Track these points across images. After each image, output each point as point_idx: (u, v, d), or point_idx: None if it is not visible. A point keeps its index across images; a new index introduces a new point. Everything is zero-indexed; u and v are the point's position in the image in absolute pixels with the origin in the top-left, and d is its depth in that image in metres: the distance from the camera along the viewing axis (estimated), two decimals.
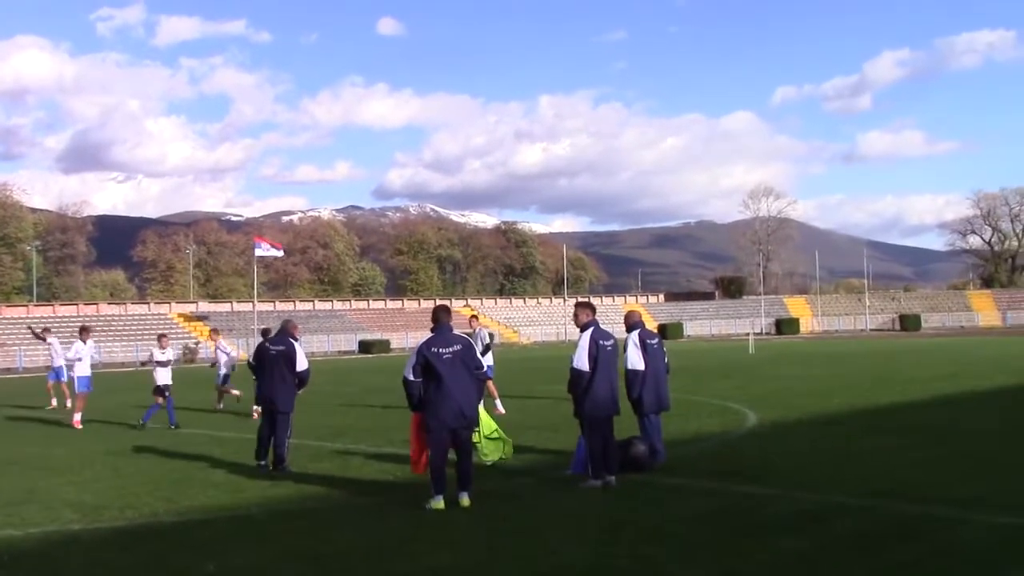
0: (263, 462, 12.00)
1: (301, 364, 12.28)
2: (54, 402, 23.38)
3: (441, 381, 9.08)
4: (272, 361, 12.23)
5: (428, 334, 9.58)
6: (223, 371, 21.39)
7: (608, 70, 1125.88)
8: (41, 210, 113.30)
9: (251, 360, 12.67)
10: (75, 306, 77.41)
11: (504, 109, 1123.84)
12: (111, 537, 8.47)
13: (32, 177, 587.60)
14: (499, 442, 10.87)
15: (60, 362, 23.42)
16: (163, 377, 18.71)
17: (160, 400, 18.38)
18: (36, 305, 77.44)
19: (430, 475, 9.16)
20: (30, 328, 27.55)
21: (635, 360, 10.91)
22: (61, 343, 24.49)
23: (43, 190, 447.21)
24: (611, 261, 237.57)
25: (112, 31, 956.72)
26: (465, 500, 9.07)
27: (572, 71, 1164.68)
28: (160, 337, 19.79)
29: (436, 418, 9.10)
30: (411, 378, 9.17)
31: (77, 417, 18.62)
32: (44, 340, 24.70)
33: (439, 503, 8.96)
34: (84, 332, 19.17)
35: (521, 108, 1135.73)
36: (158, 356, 19.00)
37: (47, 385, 24.51)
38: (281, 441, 11.99)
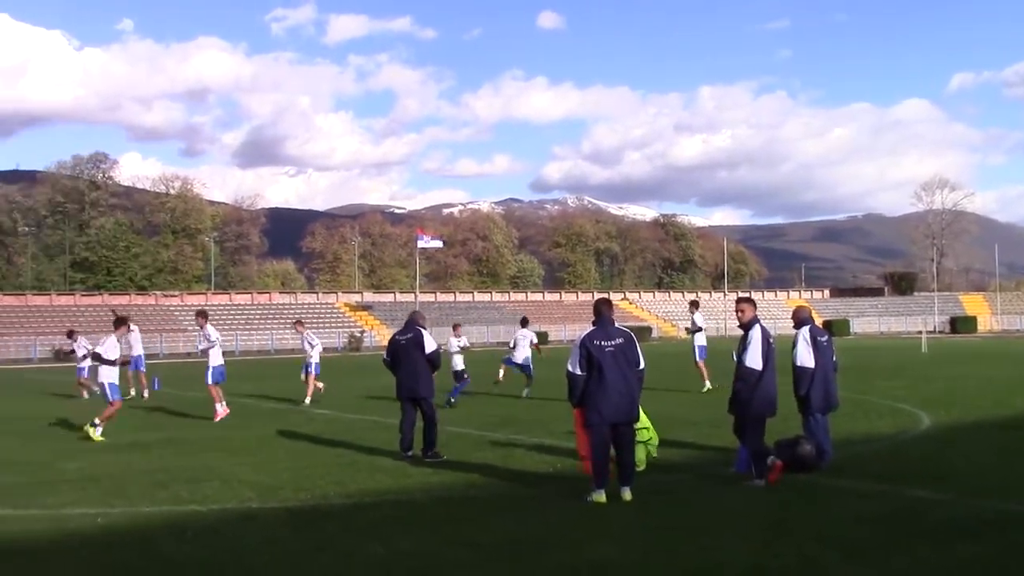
0: (409, 454, 12.13)
1: (430, 346, 12.51)
2: (132, 391, 22.87)
3: (602, 375, 9.05)
4: (404, 351, 12.51)
5: (588, 326, 9.57)
6: (314, 361, 21.19)
7: (771, 59, 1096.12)
8: (219, 203, 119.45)
9: (385, 357, 12.87)
10: (249, 295, 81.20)
11: (663, 101, 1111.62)
12: (285, 516, 8.85)
13: (211, 172, 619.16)
14: (642, 446, 10.62)
15: (139, 350, 23.48)
16: (458, 363, 20.22)
17: (457, 383, 19.99)
18: (214, 293, 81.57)
19: (591, 469, 9.15)
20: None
21: (805, 357, 10.59)
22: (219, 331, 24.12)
23: (221, 184, 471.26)
24: (773, 255, 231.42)
25: (285, 31, 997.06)
26: (627, 495, 9.03)
27: (733, 61, 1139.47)
28: (455, 327, 21.29)
29: (597, 412, 9.08)
30: (577, 372, 9.16)
31: (219, 408, 17.70)
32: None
33: (600, 497, 8.95)
34: (202, 316, 18.44)
35: (681, 99, 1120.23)
36: (454, 346, 20.39)
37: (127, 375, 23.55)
38: (431, 426, 12.21)
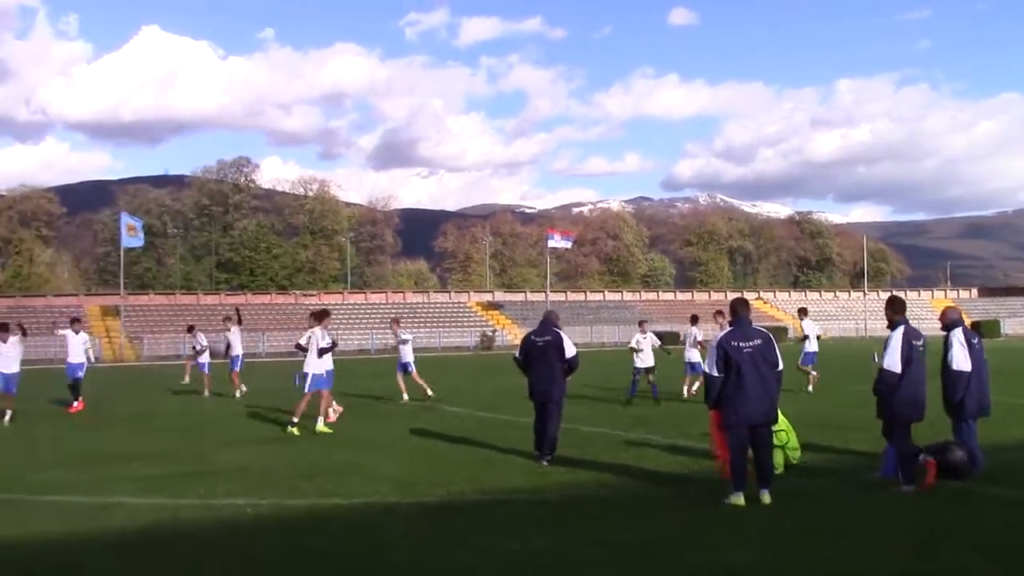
0: (537, 454, 11.97)
1: (570, 351, 12.26)
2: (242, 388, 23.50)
3: (741, 376, 8.88)
4: (540, 352, 12.23)
5: (726, 327, 9.42)
6: (409, 359, 21.45)
7: (911, 50, 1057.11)
8: (354, 204, 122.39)
9: (517, 355, 12.67)
10: (384, 294, 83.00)
11: (798, 95, 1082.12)
12: (422, 512, 9.01)
13: (347, 174, 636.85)
14: (780, 449, 10.34)
15: (238, 350, 24.51)
16: (646, 360, 20.22)
17: (638, 378, 20.18)
18: (350, 293, 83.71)
19: (730, 471, 9.00)
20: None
21: (961, 360, 10.11)
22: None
23: (356, 186, 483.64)
24: (915, 253, 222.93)
25: (418, 35, 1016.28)
26: (766, 498, 8.84)
27: (872, 53, 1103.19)
28: (641, 323, 21.25)
29: (735, 414, 8.92)
30: (715, 374, 9.01)
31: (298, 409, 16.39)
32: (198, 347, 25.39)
33: (739, 499, 8.78)
34: (316, 318, 16.61)
35: (817, 94, 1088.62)
36: (639, 343, 20.44)
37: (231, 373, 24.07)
38: (554, 430, 12.02)
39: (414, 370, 21.33)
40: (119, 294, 66.56)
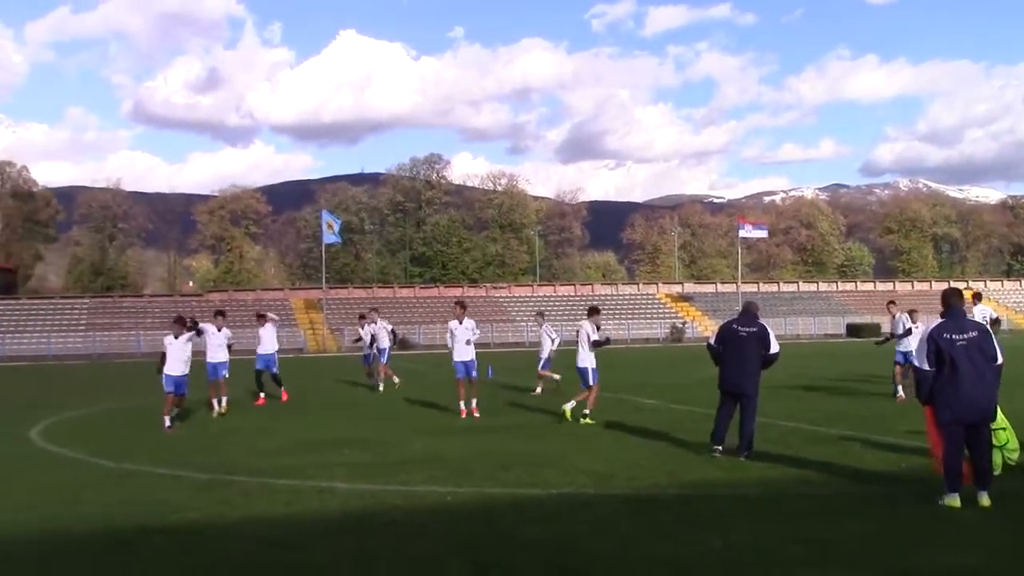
0: (718, 448, 11.59)
1: (775, 347, 11.85)
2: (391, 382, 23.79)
3: (955, 371, 8.42)
4: (742, 343, 11.79)
5: (936, 319, 8.93)
6: (544, 355, 21.40)
7: None
8: (542, 198, 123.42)
9: (713, 342, 12.17)
10: (572, 286, 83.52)
11: (1011, 72, 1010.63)
12: (621, 504, 9.01)
13: (535, 168, 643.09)
14: (998, 450, 9.67)
15: (386, 343, 23.98)
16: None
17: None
18: (539, 285, 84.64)
19: (944, 470, 8.55)
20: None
21: None
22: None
23: (544, 180, 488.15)
24: None
25: (604, 26, 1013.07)
26: (984, 500, 8.34)
27: None
28: (911, 313, 19.19)
29: (948, 410, 8.47)
30: (926, 367, 8.57)
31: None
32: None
33: (954, 501, 8.32)
34: (461, 307, 17.49)
35: None
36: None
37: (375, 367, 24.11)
38: (749, 426, 11.61)
39: (545, 366, 21.41)
40: (321, 288, 69.84)
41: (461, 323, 17.02)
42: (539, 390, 21.35)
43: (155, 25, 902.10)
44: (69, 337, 62.64)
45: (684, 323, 69.46)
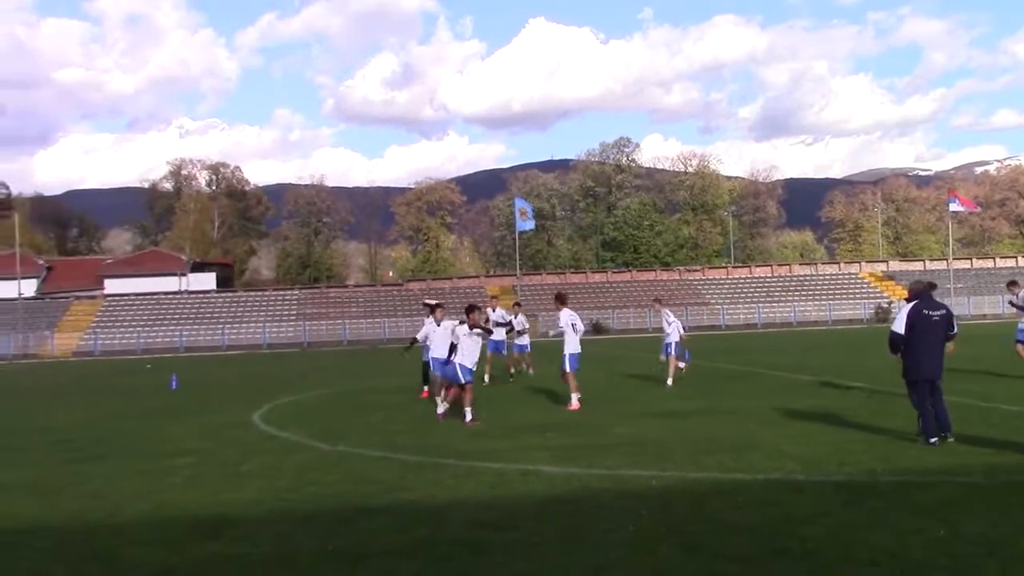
0: (933, 440, 10.87)
1: (954, 327, 11.33)
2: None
3: None
4: (934, 328, 11.16)
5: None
6: (669, 340, 19.91)
7: None
8: (735, 178, 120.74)
9: (900, 330, 11.17)
10: (769, 267, 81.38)
11: None
12: (833, 490, 8.70)
13: (727, 147, 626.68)
14: None
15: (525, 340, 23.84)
16: None
17: None
18: (734, 267, 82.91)
19: None
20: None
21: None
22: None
23: (737, 159, 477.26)
24: None
25: None
26: None
27: None
28: None
29: None
30: None
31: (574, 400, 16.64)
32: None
33: None
34: (560, 300, 17.17)
35: None
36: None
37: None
38: (945, 408, 11.14)
39: (674, 352, 20.05)
40: (515, 275, 70.97)
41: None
42: (670, 381, 19.77)
43: (353, 25, 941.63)
44: (281, 326, 66.40)
45: (890, 303, 66.33)
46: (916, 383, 11.23)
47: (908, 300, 11.60)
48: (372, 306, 71.07)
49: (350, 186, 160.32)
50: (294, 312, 69.81)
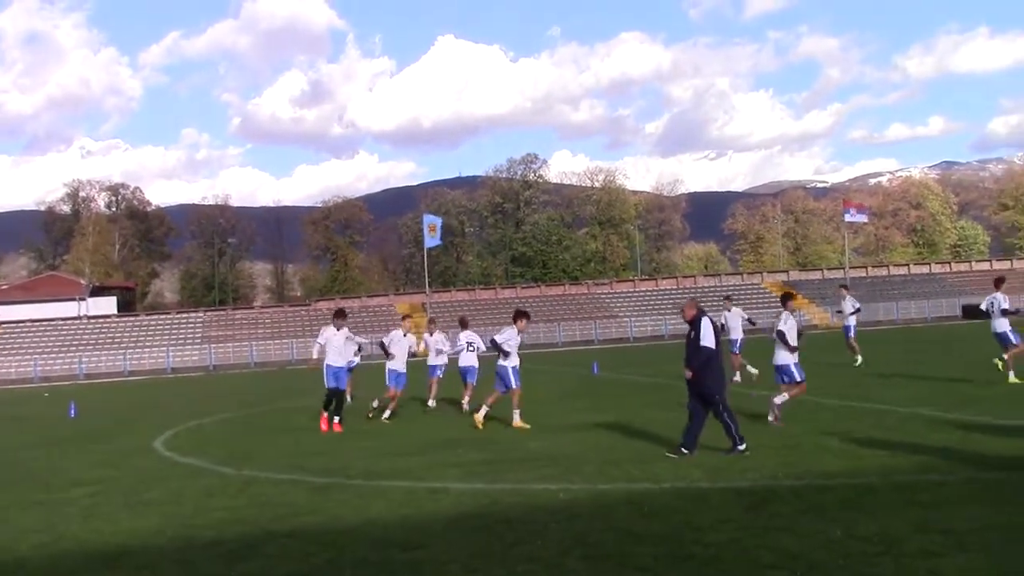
0: None
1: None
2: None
3: None
4: None
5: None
6: (734, 337, 21.47)
7: None
8: (641, 192, 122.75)
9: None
10: (674, 279, 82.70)
11: None
12: (736, 496, 8.88)
13: (634, 162, 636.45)
14: None
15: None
16: None
17: None
18: (640, 280, 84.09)
19: None
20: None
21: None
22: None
23: (643, 173, 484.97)
24: None
25: (702, 15, 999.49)
26: None
27: None
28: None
29: None
30: None
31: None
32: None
33: None
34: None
35: None
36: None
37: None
38: None
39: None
40: (424, 292, 70.74)
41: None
42: (737, 377, 21.43)
43: (261, 43, 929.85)
44: (186, 350, 64.86)
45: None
46: None
47: None
48: (279, 327, 70.00)
49: (256, 206, 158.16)
50: (199, 335, 68.33)
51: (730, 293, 32.48)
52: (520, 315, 15.87)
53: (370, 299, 77.99)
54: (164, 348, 64.44)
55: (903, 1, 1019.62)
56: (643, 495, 9.19)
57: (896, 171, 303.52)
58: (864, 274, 79.36)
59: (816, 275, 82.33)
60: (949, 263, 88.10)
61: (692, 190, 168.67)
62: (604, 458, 11.50)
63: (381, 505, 9.43)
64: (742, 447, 11.21)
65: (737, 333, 22.31)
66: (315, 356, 17.25)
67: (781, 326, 14.34)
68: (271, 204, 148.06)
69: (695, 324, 11.57)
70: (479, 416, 15.69)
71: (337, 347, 16.77)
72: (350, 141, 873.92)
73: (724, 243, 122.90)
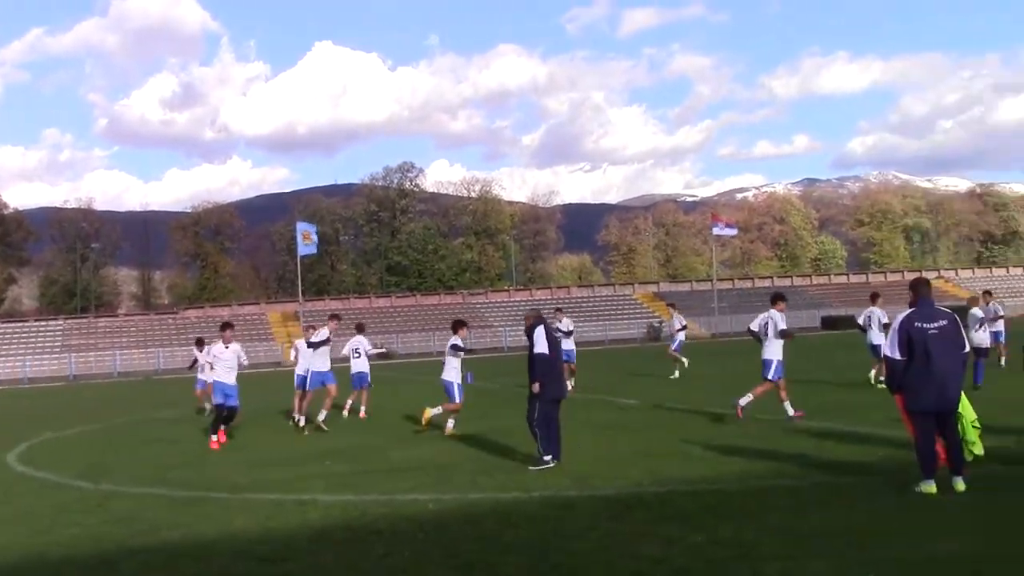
0: None
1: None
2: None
3: (927, 359, 8.51)
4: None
5: (904, 308, 9.03)
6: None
7: None
8: (517, 202, 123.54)
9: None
10: (549, 290, 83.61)
11: (980, 62, 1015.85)
12: (602, 504, 9.04)
13: (511, 173, 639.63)
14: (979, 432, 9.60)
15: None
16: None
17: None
18: (515, 290, 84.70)
19: (917, 458, 8.63)
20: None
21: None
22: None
23: (520, 184, 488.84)
24: None
25: (579, 29, 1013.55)
26: (960, 485, 8.43)
27: None
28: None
29: (919, 399, 8.58)
30: (897, 357, 8.67)
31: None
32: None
33: (930, 487, 8.42)
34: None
35: (1000, 58, 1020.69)
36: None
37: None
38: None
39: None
40: (298, 300, 69.56)
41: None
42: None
43: (130, 42, 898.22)
44: (44, 359, 62.12)
45: (661, 322, 69.64)
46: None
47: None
48: (145, 335, 67.75)
49: (123, 210, 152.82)
50: (59, 344, 65.53)
51: (560, 306, 34.28)
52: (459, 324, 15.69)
53: (241, 307, 76.27)
54: (21, 357, 61.54)
55: (770, 23, 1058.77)
56: (512, 504, 9.26)
57: (762, 186, 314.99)
58: (731, 286, 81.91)
59: (686, 286, 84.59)
60: (810, 276, 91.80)
61: (567, 201, 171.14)
62: (475, 468, 11.55)
63: (246, 518, 9.23)
64: (547, 459, 11.20)
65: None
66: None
67: (782, 324, 15.04)
68: (138, 208, 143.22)
69: (529, 333, 11.77)
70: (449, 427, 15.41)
71: (226, 364, 16.06)
72: (223, 146, 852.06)
73: (598, 254, 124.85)
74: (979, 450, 9.32)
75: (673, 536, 7.52)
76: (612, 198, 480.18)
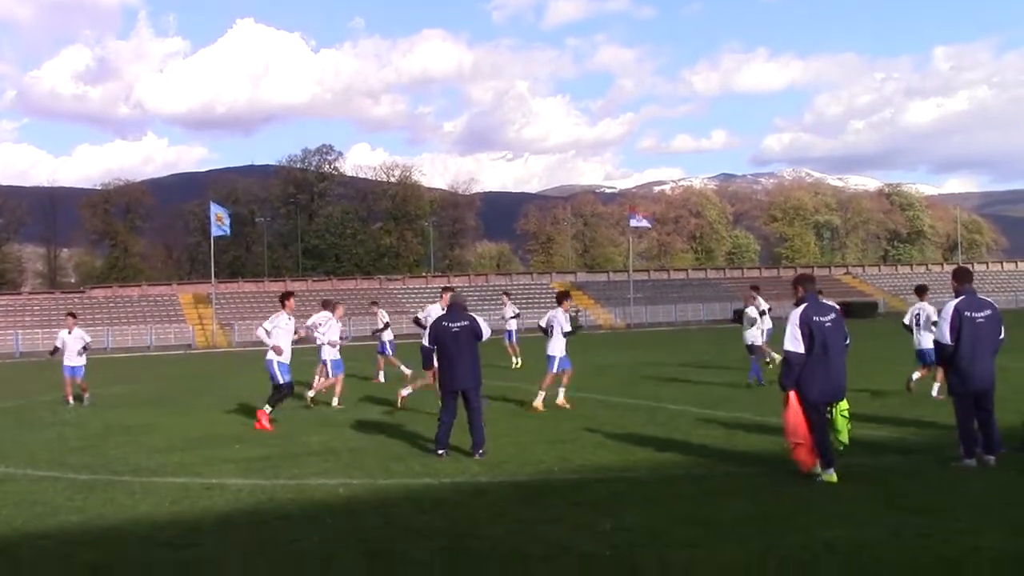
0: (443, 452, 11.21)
1: (487, 332, 11.79)
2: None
3: (826, 352, 8.80)
4: (457, 339, 11.46)
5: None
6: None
7: (1016, 12, 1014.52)
8: (436, 189, 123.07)
9: (427, 343, 11.88)
10: (467, 277, 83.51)
11: (893, 65, 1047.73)
12: (513, 490, 9.08)
13: (432, 159, 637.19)
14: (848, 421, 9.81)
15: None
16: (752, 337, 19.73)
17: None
18: (433, 276, 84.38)
19: (818, 449, 8.83)
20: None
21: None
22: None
23: (441, 171, 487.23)
24: (1016, 224, 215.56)
25: (505, 18, 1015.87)
26: (832, 476, 8.71)
27: (972, 17, 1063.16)
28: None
29: (820, 391, 8.82)
30: (799, 351, 8.83)
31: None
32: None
33: (831, 476, 8.66)
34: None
35: (912, 62, 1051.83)
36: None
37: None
38: (481, 421, 11.37)
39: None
40: (210, 282, 68.27)
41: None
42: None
43: (43, 13, 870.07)
44: None
45: (577, 311, 70.12)
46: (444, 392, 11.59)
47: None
48: (50, 315, 65.67)
49: (29, 185, 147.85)
50: None
51: (507, 290, 35.40)
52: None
53: (151, 287, 74.43)
54: None
55: (692, 16, 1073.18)
56: (423, 490, 9.23)
57: (679, 180, 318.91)
58: (647, 277, 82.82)
59: (603, 276, 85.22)
60: (724, 269, 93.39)
61: (488, 189, 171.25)
62: (386, 453, 11.49)
63: (151, 502, 9.02)
64: (440, 452, 11.17)
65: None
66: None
67: (567, 326, 15.61)
68: (46, 184, 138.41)
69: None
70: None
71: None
72: (137, 122, 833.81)
73: (516, 243, 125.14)
74: (845, 438, 9.37)
75: (582, 522, 7.58)
76: (533, 187, 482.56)
